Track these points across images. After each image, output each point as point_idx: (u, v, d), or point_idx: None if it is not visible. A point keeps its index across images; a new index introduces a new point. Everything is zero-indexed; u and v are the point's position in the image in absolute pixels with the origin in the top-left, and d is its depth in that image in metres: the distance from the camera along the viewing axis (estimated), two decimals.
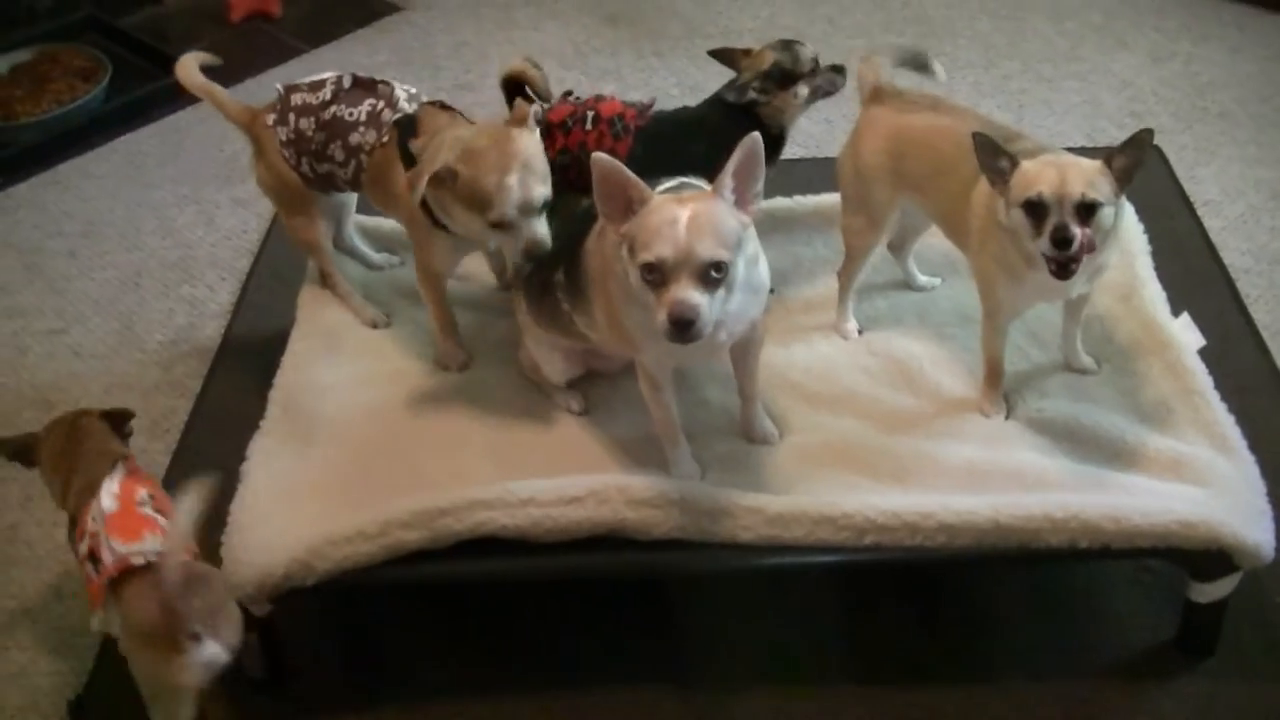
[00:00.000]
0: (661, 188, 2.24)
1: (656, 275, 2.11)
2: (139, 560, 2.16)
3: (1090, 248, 2.32)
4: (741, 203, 2.19)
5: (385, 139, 2.71)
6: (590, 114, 2.87)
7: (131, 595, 2.15)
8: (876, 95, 2.79)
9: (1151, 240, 3.07)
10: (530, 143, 2.52)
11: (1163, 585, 2.57)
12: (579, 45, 4.64)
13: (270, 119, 2.86)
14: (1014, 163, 2.37)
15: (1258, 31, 4.46)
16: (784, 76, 2.84)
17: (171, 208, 3.94)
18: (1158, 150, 3.82)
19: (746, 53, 2.92)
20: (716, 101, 2.89)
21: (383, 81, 2.81)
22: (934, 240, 2.99)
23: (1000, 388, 2.70)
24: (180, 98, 4.39)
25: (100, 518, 2.24)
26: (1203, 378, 2.63)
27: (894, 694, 2.45)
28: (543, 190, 2.51)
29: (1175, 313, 2.82)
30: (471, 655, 2.57)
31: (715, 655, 2.53)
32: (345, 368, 2.90)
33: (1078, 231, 2.30)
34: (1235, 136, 3.93)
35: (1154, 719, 2.38)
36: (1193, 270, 3.31)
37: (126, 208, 3.95)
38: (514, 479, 2.46)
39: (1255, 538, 2.29)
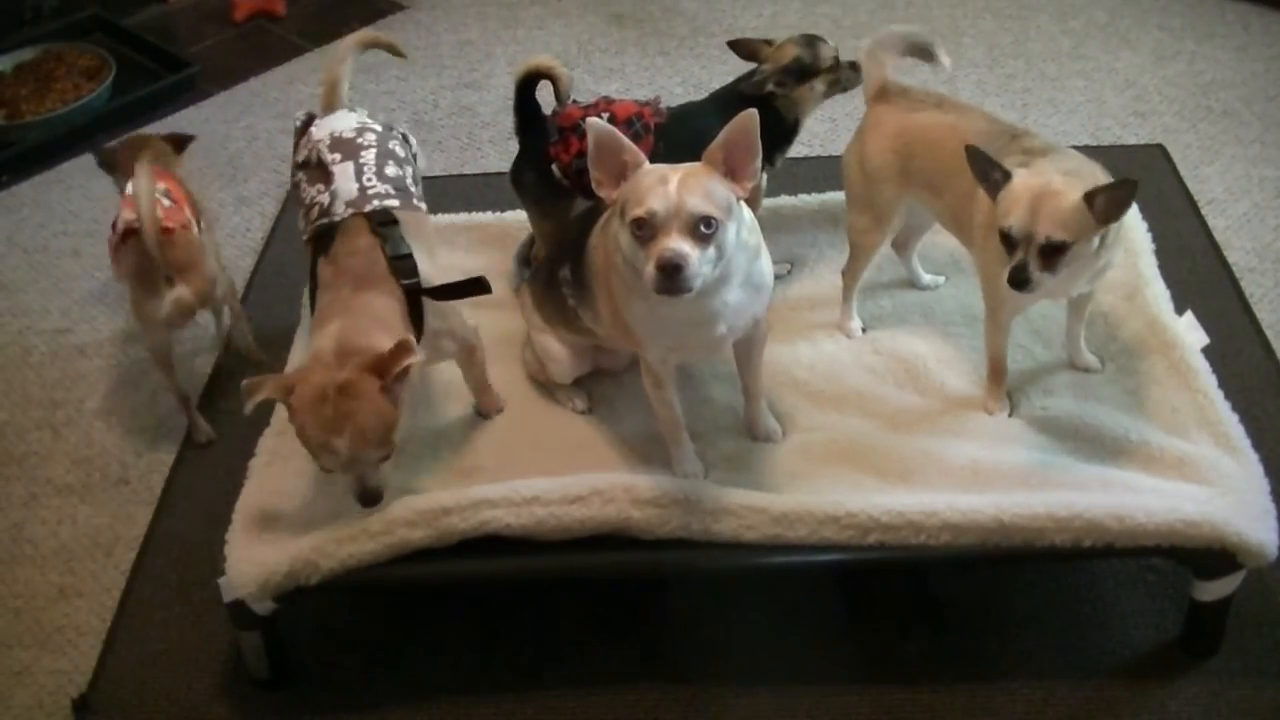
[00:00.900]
0: None
1: (647, 230, 2.13)
2: (136, 225, 2.77)
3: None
4: (736, 177, 2.20)
5: (305, 237, 2.60)
6: (605, 116, 2.87)
7: (127, 251, 2.85)
8: (882, 94, 2.79)
9: (1156, 239, 3.06)
10: (373, 405, 2.24)
11: (1167, 584, 2.57)
12: (584, 44, 4.64)
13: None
14: (1006, 175, 2.37)
15: (1263, 30, 4.46)
16: (803, 72, 2.87)
17: None
18: (1162, 149, 3.82)
19: (768, 43, 2.94)
20: (732, 93, 2.90)
21: (335, 171, 2.58)
22: (938, 239, 2.99)
23: (1004, 385, 2.70)
24: (184, 96, 4.42)
25: (121, 196, 2.97)
26: (1207, 377, 2.63)
27: (897, 693, 2.45)
28: (373, 460, 2.30)
29: (1179, 311, 2.82)
30: (475, 654, 2.57)
31: (719, 655, 2.53)
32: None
33: (1036, 275, 2.33)
34: (1240, 135, 3.93)
35: (1158, 718, 2.38)
36: (1197, 269, 3.31)
37: None
38: (519, 478, 2.46)
39: (1259, 536, 2.28)
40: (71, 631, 2.68)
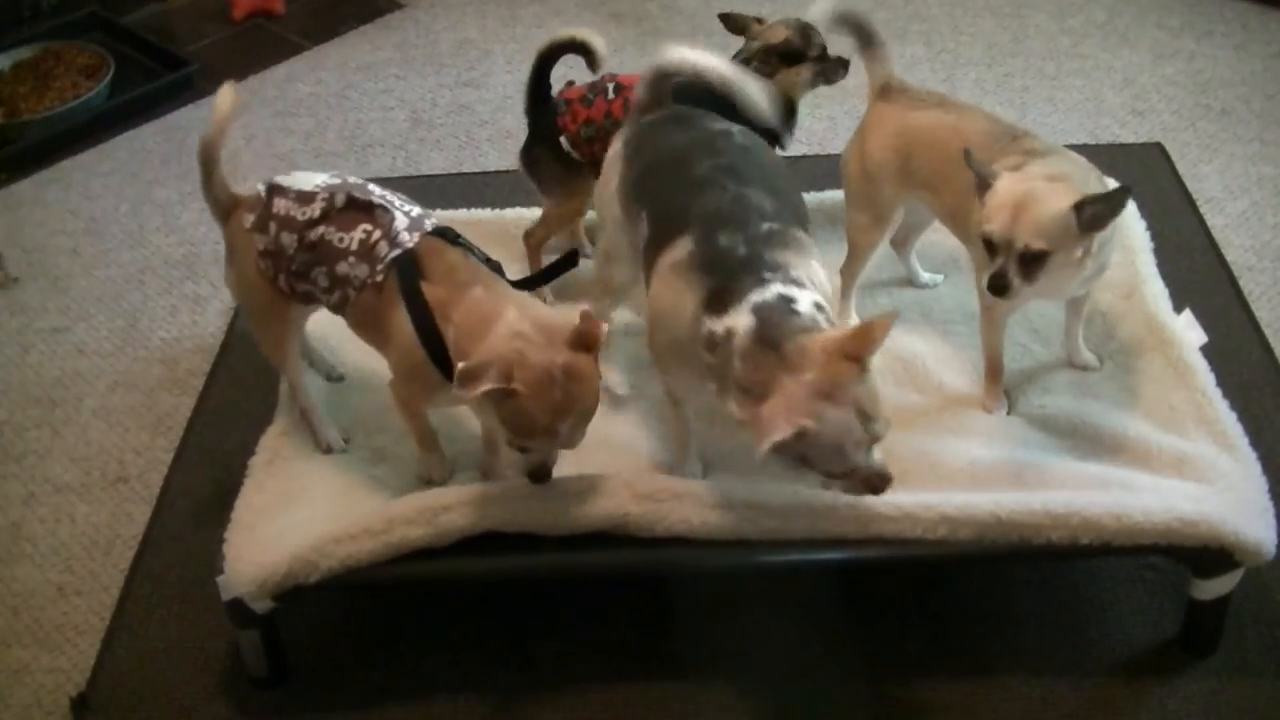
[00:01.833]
0: None
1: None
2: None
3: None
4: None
5: (380, 278, 2.39)
6: (611, 85, 2.92)
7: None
8: (884, 92, 2.79)
9: (1154, 237, 3.07)
10: (595, 385, 2.23)
11: (1165, 583, 2.57)
12: None
13: (248, 221, 2.53)
14: (993, 178, 2.37)
15: (1261, 28, 4.46)
16: (791, 55, 2.88)
17: (175, 205, 3.94)
18: (1160, 147, 3.82)
19: (759, 21, 2.95)
20: None
21: (381, 204, 2.45)
22: (937, 237, 2.99)
23: (1001, 383, 2.70)
24: (183, 94, 4.42)
25: None
26: (1205, 375, 2.63)
27: (896, 691, 2.45)
28: (580, 438, 2.28)
29: (1178, 310, 2.82)
30: (474, 653, 2.57)
31: (719, 653, 2.53)
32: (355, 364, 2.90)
33: (1015, 283, 2.33)
34: (1238, 133, 3.93)
35: (1156, 716, 2.38)
36: (1195, 267, 3.31)
37: (130, 205, 3.95)
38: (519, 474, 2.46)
39: (1257, 535, 2.29)
40: (70, 630, 2.68)
